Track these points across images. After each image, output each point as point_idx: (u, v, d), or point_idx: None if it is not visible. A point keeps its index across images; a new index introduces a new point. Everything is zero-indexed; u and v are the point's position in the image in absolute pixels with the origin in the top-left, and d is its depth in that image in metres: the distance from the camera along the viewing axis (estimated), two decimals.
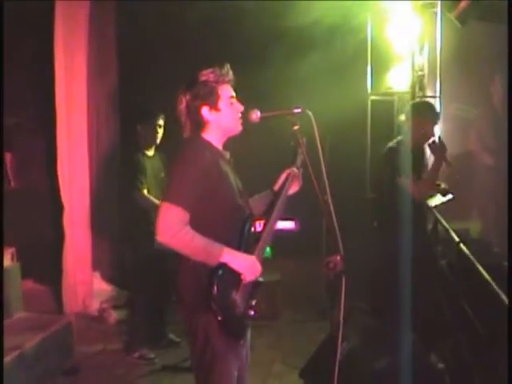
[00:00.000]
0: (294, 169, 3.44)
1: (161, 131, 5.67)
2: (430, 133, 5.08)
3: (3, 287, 5.16)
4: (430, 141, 5.05)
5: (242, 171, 3.27)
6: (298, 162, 3.43)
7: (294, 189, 3.46)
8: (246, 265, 2.97)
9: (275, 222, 3.28)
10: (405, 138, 5.09)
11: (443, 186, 5.26)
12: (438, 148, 5.01)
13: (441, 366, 4.42)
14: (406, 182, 4.86)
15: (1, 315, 3.78)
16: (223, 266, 2.90)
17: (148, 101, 6.74)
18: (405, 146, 5.01)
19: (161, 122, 5.63)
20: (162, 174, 5.71)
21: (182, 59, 7.04)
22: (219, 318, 2.88)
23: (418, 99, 6.26)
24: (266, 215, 3.31)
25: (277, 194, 3.41)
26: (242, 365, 3.20)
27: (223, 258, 2.90)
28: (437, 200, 5.35)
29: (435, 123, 5.12)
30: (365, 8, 6.56)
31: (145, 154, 5.66)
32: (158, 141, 5.71)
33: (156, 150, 5.78)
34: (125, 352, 5.68)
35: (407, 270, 4.63)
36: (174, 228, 2.85)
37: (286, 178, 3.43)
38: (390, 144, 5.14)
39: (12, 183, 6.71)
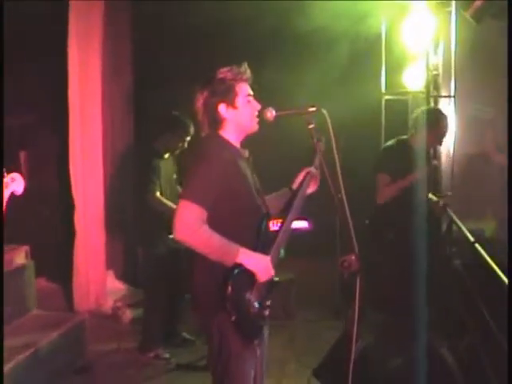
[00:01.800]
0: (313, 168, 3.39)
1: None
2: (438, 139, 5.17)
3: (18, 285, 5.20)
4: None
5: (259, 168, 3.26)
6: (317, 161, 3.37)
7: (311, 189, 3.42)
8: (261, 265, 2.95)
9: (291, 222, 3.24)
10: (407, 138, 5.16)
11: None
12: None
13: (456, 365, 4.39)
14: (382, 179, 4.93)
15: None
16: (238, 266, 2.89)
17: (163, 100, 6.74)
18: (403, 146, 5.08)
19: (191, 133, 5.53)
20: (174, 176, 5.70)
21: (197, 59, 7.05)
22: (233, 318, 2.88)
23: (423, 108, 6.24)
24: (283, 214, 3.28)
25: (294, 193, 3.37)
26: (258, 364, 3.19)
27: (239, 258, 2.89)
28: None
29: (442, 132, 5.12)
30: (379, 8, 6.53)
31: (162, 157, 5.59)
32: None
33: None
34: (139, 351, 5.65)
35: (409, 269, 4.66)
36: (192, 226, 2.84)
37: (305, 178, 3.39)
38: (389, 142, 5.19)
39: (26, 182, 6.72)
